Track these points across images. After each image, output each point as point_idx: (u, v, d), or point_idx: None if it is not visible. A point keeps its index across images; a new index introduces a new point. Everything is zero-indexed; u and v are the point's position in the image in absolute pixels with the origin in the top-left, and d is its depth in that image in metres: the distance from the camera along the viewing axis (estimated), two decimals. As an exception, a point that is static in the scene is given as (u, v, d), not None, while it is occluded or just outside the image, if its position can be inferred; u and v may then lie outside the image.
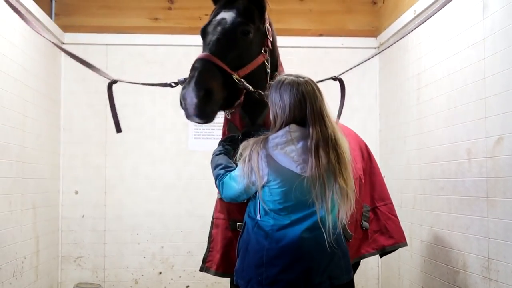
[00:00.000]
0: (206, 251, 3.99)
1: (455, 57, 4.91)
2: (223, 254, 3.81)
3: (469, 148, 4.65)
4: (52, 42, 4.53)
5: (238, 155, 3.17)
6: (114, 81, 3.72)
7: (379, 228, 4.38)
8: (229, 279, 4.15)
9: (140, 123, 7.03)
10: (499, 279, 4.21)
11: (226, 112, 3.47)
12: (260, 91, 3.29)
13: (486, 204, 4.37)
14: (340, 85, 4.37)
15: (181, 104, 3.15)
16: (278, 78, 3.20)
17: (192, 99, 3.03)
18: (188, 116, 3.15)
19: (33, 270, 5.90)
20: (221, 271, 3.85)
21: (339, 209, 3.09)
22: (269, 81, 3.40)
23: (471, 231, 4.63)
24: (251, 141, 3.13)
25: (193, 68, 3.14)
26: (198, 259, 6.73)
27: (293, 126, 3.06)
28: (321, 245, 3.08)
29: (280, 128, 3.08)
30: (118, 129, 3.73)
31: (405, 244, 4.49)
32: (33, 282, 5.90)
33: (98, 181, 7.05)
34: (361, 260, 4.49)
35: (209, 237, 4.01)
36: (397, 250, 4.79)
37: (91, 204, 7.02)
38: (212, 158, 3.52)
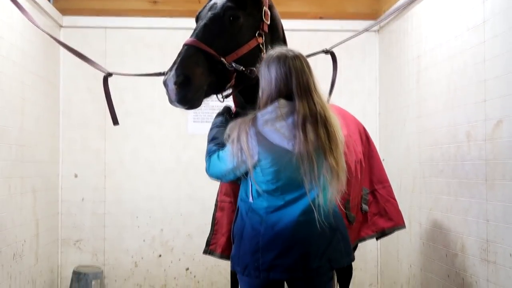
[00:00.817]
0: (209, 234, 3.99)
1: (455, 39, 4.89)
2: (229, 237, 3.82)
3: (468, 131, 4.65)
4: (47, 33, 4.47)
5: (225, 136, 3.12)
6: (109, 74, 3.72)
7: (378, 210, 4.40)
8: (229, 262, 4.17)
9: (140, 107, 7.02)
10: (497, 261, 4.23)
11: (220, 96, 3.45)
12: (252, 68, 3.26)
13: (485, 187, 4.38)
14: (332, 59, 4.34)
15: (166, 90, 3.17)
16: (268, 52, 3.17)
17: (171, 85, 3.05)
18: (170, 102, 3.16)
19: (33, 253, 5.92)
20: (227, 254, 3.85)
21: (329, 189, 3.02)
22: None
23: (470, 214, 4.64)
24: (238, 120, 3.08)
25: (178, 54, 3.16)
26: (198, 242, 6.87)
27: (282, 102, 3.00)
28: (318, 228, 3.03)
29: (267, 104, 3.03)
30: (115, 122, 3.73)
31: (404, 227, 4.51)
32: (33, 265, 5.93)
33: (97, 165, 7.05)
34: (360, 243, 4.52)
35: (212, 220, 4.01)
36: (396, 233, 4.81)
37: (90, 187, 7.03)
38: (211, 129, 3.47)
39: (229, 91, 3.43)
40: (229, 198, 3.87)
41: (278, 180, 3.02)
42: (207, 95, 3.27)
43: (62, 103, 7.02)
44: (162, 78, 3.22)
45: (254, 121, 3.01)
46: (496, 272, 4.25)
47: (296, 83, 2.99)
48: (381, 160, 4.67)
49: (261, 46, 3.38)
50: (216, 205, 4.02)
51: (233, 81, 3.29)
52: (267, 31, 3.45)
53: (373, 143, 4.56)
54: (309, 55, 3.63)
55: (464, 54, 4.73)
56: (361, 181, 4.16)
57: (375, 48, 7.24)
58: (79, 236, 7.00)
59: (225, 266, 6.42)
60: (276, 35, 3.58)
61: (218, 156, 3.22)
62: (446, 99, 5.10)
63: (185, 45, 3.19)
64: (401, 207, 4.61)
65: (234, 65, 3.20)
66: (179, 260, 7.12)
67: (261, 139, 2.98)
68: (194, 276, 7.12)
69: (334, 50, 4.32)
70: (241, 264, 3.14)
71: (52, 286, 6.67)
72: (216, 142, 3.32)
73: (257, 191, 3.09)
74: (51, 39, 4.73)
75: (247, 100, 3.50)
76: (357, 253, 4.39)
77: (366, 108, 7.14)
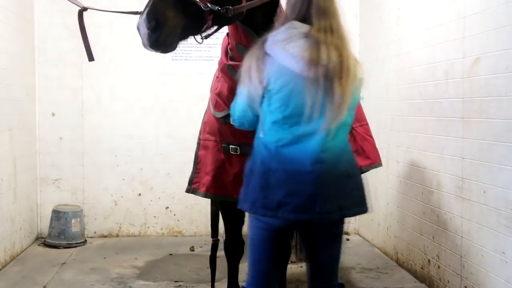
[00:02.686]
0: (192, 173, 3.98)
1: (436, -24, 4.83)
2: (215, 176, 3.82)
3: (446, 69, 4.64)
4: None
5: (241, 68, 2.98)
6: (85, 9, 3.61)
7: (355, 149, 4.39)
8: (208, 201, 4.18)
9: (116, 43, 6.90)
10: (471, 198, 4.29)
11: (198, 38, 3.36)
12: (228, 7, 3.11)
13: (461, 125, 4.40)
14: None
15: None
16: None
17: (144, 29, 2.97)
18: (144, 46, 3.08)
19: (11, 192, 5.91)
20: (211, 193, 3.85)
21: (338, 114, 2.82)
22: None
23: (446, 151, 4.68)
24: (251, 49, 2.97)
25: None
26: (177, 181, 6.90)
27: (295, 23, 2.87)
28: (337, 172, 2.91)
29: (281, 26, 2.91)
30: (90, 58, 3.63)
31: (380, 165, 4.52)
32: (12, 203, 5.92)
33: (74, 103, 6.97)
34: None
35: (195, 159, 3.99)
36: (374, 172, 4.85)
37: (68, 126, 6.97)
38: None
39: (209, 31, 3.34)
40: (214, 137, 3.85)
41: (287, 108, 2.85)
42: (183, 38, 3.17)
43: (37, 39, 6.87)
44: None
45: (264, 42, 2.89)
46: (470, 209, 4.32)
47: (315, 2, 2.85)
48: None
49: None
50: (198, 144, 3.99)
51: (209, 22, 3.21)
52: None
53: (351, 81, 4.53)
54: None
55: (444, -9, 4.68)
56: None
57: (356, -15, 7.14)
58: (57, 175, 6.98)
59: (205, 204, 6.45)
60: None
61: (235, 99, 3.12)
62: (425, 36, 5.07)
63: None
64: (378, 145, 4.62)
65: (209, 6, 3.11)
66: (159, 198, 7.15)
67: (270, 60, 2.86)
68: (174, 215, 7.17)
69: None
70: (248, 200, 2.99)
71: (32, 225, 6.68)
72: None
73: (267, 123, 2.94)
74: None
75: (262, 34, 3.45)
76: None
77: (346, 46, 7.06)
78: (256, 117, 3.03)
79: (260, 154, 2.96)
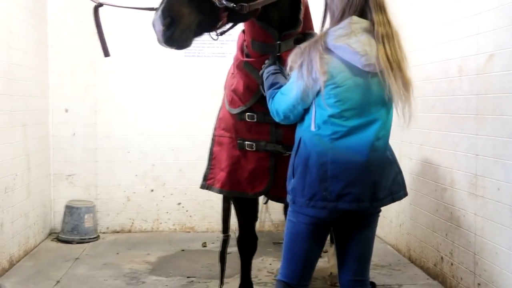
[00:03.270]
0: (206, 169, 3.99)
1: (450, -28, 4.81)
2: (230, 172, 3.82)
3: (460, 65, 4.62)
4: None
5: (289, 64, 3.01)
6: (100, 5, 3.61)
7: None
8: (220, 197, 4.19)
9: (130, 40, 6.92)
10: (485, 195, 4.27)
11: (213, 34, 3.36)
12: (243, 4, 3.13)
13: (475, 122, 4.38)
14: None
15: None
16: None
17: (159, 26, 2.99)
18: (159, 42, 3.09)
19: (25, 187, 5.94)
20: (226, 189, 3.86)
21: (403, 105, 2.98)
22: None
23: (459, 148, 4.66)
24: (303, 45, 3.00)
25: None
26: (189, 177, 6.92)
27: (355, 18, 2.91)
28: (385, 159, 3.02)
29: (339, 22, 2.94)
30: (106, 53, 3.63)
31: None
32: (25, 199, 5.95)
33: (87, 99, 7.00)
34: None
35: (209, 155, 4.00)
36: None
37: (81, 122, 7.00)
38: (266, 78, 3.37)
39: (224, 28, 3.35)
40: (229, 133, 3.85)
41: (347, 101, 2.90)
42: (197, 34, 3.18)
43: (51, 36, 6.90)
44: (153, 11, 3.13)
45: (324, 37, 2.92)
46: (484, 206, 4.30)
47: None
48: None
49: None
50: (213, 140, 4.00)
51: (224, 19, 3.21)
52: None
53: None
54: None
55: (459, -13, 4.65)
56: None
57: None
58: (70, 170, 7.01)
59: (217, 200, 6.44)
60: None
61: (281, 92, 3.14)
62: (438, 33, 5.04)
63: None
64: (391, 142, 4.60)
65: (224, 2, 3.11)
66: (171, 194, 7.17)
67: (332, 55, 2.90)
68: (186, 211, 7.19)
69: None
70: (307, 193, 2.98)
71: (45, 220, 6.72)
72: (276, 87, 3.25)
73: (321, 117, 2.96)
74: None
75: (281, 30, 3.46)
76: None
77: (359, 43, 7.06)
78: (304, 111, 3.07)
79: (315, 148, 2.97)
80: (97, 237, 6.79)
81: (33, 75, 6.28)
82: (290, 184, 3.10)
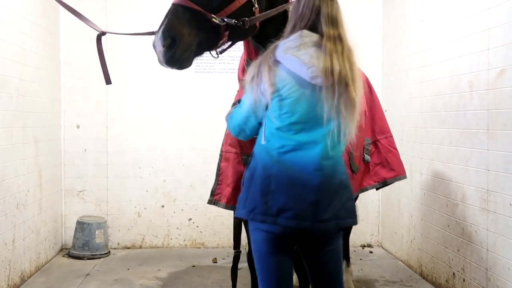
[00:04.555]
0: (214, 184, 4.01)
1: (460, -13, 4.82)
2: (235, 188, 3.84)
3: (471, 80, 4.62)
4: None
5: (245, 78, 3.00)
6: (103, 33, 3.65)
7: (380, 161, 4.41)
8: (231, 212, 4.19)
9: (141, 57, 6.96)
10: (497, 210, 4.25)
11: (213, 53, 3.37)
12: (244, 19, 3.15)
13: (486, 137, 4.37)
14: None
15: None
16: None
17: (159, 47, 3.00)
18: (160, 63, 3.11)
19: (36, 203, 5.97)
20: (232, 204, 3.87)
21: (345, 123, 2.86)
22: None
23: (470, 163, 4.64)
24: (258, 59, 2.98)
25: (166, 14, 3.09)
26: (200, 193, 6.92)
27: (306, 31, 2.90)
28: (336, 180, 2.92)
29: (291, 34, 2.94)
30: (108, 81, 3.65)
31: (405, 177, 4.53)
32: (37, 214, 5.98)
33: (99, 115, 7.05)
34: (361, 194, 4.54)
35: (217, 170, 4.03)
36: (397, 184, 4.83)
37: (93, 138, 7.05)
38: (231, 113, 3.33)
39: (224, 46, 3.36)
40: (235, 149, 3.88)
41: (294, 114, 2.87)
42: (198, 54, 3.19)
43: (63, 52, 6.97)
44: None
45: (274, 50, 2.91)
46: (495, 221, 4.28)
47: (325, 12, 2.89)
48: (384, 110, 4.65)
49: (252, 0, 3.24)
50: (220, 155, 4.03)
51: (225, 38, 3.23)
52: None
53: (375, 92, 4.53)
54: None
55: (468, 3, 4.66)
56: (364, 131, 4.15)
57: (379, -3, 7.14)
58: (82, 186, 7.04)
59: (228, 216, 6.47)
60: None
61: (238, 106, 3.14)
62: (449, 48, 5.05)
63: (172, 4, 3.12)
64: (402, 157, 4.61)
65: (226, 20, 3.12)
66: (182, 210, 7.17)
67: (280, 66, 2.87)
68: (197, 226, 7.19)
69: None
70: (247, 206, 2.94)
71: (56, 236, 6.74)
72: (235, 105, 3.28)
73: (269, 130, 2.94)
74: (49, -13, 4.66)
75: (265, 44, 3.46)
76: (358, 203, 4.41)
77: (369, 58, 7.07)
78: (259, 124, 3.04)
79: (262, 161, 2.94)
80: (108, 253, 6.80)
81: (45, 91, 6.33)
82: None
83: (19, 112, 5.44)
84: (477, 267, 4.58)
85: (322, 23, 2.88)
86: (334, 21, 2.90)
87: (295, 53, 2.84)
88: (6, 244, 5.09)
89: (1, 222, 5.00)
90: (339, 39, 2.87)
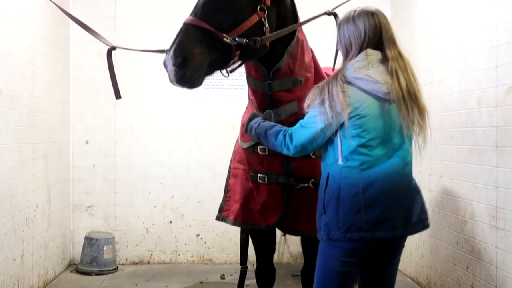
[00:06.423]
0: (222, 201, 4.02)
1: (467, 4, 4.83)
2: (243, 204, 3.85)
3: (479, 97, 4.62)
4: (53, 2, 4.48)
5: (307, 103, 3.10)
6: (113, 48, 3.68)
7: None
8: (239, 228, 4.19)
9: (150, 72, 6.99)
10: (506, 228, 4.23)
11: (224, 72, 3.38)
12: (255, 38, 3.17)
13: (495, 154, 4.36)
14: (336, 21, 4.26)
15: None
16: (346, 13, 3.17)
17: (170, 66, 3.02)
18: (171, 82, 3.13)
19: (45, 219, 5.98)
20: (240, 221, 3.88)
21: (418, 132, 3.07)
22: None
23: (479, 180, 4.63)
24: (320, 84, 3.09)
25: (177, 33, 3.11)
26: (208, 209, 6.92)
27: (370, 50, 3.04)
28: (412, 186, 3.13)
29: (355, 56, 3.06)
30: (118, 96, 3.68)
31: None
32: (46, 230, 5.99)
33: (108, 130, 7.08)
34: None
35: (225, 187, 4.04)
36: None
37: (101, 153, 7.07)
38: (259, 125, 3.41)
39: (234, 65, 3.37)
40: (243, 165, 3.89)
41: (371, 131, 2.98)
42: (209, 73, 3.21)
43: (72, 68, 7.02)
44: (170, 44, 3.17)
45: (343, 71, 3.03)
46: (505, 239, 4.26)
47: (385, 33, 3.06)
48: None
49: (263, 20, 3.27)
50: (229, 172, 4.04)
51: (236, 58, 3.24)
52: (269, 4, 3.31)
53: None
54: (311, 19, 3.59)
55: (476, 20, 4.67)
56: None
57: (386, 13, 7.06)
58: (90, 202, 7.06)
59: (235, 232, 6.46)
60: (283, 7, 3.47)
61: (300, 125, 3.16)
62: (457, 65, 5.05)
63: (184, 24, 3.15)
64: (410, 173, 4.59)
65: (237, 39, 3.14)
66: (190, 226, 7.17)
67: (353, 87, 3.00)
68: (205, 242, 7.18)
69: (343, 8, 4.22)
70: (343, 226, 2.99)
71: (65, 251, 6.75)
72: (277, 126, 3.32)
73: (347, 149, 3.01)
74: (61, 4, 4.71)
75: (269, 67, 3.47)
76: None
77: (377, 75, 7.07)
78: (323, 144, 3.15)
79: (346, 180, 3.02)
80: (116, 269, 6.79)
81: (55, 107, 6.37)
82: (322, 220, 3.11)
83: (29, 128, 5.47)
84: (487, 285, 4.55)
85: (385, 43, 3.06)
86: (393, 41, 3.09)
87: (365, 72, 2.99)
88: (15, 260, 5.10)
89: (10, 237, 5.02)
90: (400, 57, 3.07)
